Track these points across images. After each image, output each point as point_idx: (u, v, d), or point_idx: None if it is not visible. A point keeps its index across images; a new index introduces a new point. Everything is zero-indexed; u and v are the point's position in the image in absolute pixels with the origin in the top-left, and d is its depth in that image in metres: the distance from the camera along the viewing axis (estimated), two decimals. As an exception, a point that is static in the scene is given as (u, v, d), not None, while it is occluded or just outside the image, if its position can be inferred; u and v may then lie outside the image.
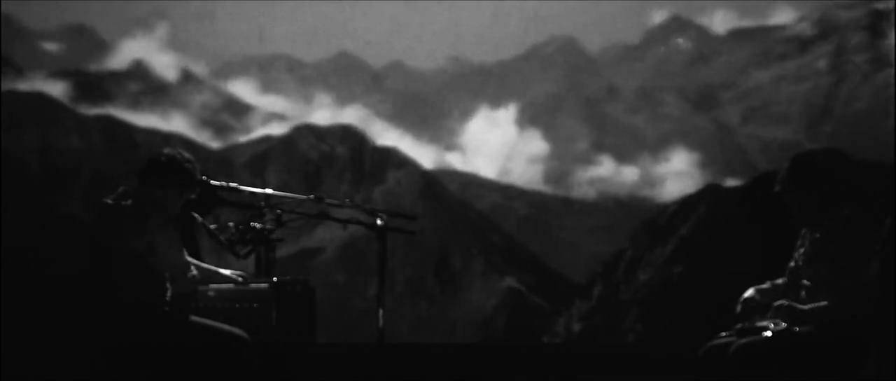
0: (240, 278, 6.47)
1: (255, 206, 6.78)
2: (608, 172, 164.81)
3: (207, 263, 6.60)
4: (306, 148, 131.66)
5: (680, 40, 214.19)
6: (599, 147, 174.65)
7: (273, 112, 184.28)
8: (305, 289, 6.64)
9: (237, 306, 6.45)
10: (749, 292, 6.19)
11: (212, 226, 6.71)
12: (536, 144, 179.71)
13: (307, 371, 6.49)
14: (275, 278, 6.43)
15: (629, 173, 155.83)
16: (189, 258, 6.25)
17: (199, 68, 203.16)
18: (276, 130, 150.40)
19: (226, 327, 6.06)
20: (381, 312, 6.74)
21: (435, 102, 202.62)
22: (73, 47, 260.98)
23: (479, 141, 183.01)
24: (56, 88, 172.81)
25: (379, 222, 6.71)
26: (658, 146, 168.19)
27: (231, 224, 6.76)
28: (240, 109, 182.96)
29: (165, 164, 6.10)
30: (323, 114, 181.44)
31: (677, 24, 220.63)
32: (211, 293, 6.55)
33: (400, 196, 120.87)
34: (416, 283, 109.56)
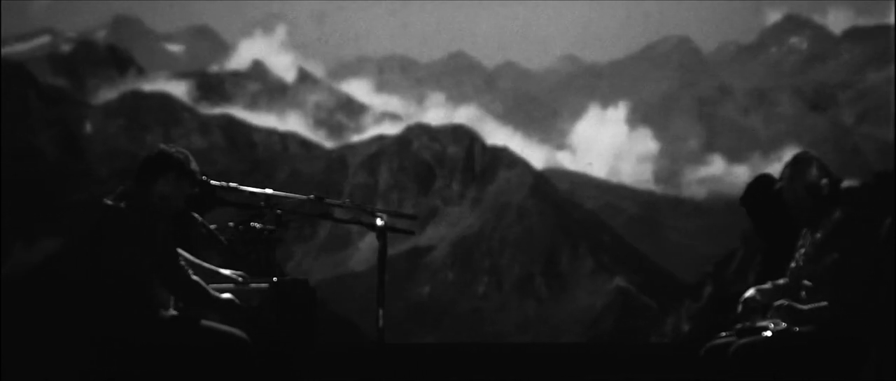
0: (240, 278, 6.40)
1: (255, 206, 6.70)
2: (719, 172, 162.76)
3: (207, 263, 6.57)
4: (419, 148, 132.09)
5: (795, 40, 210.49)
6: (710, 147, 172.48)
7: (386, 112, 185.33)
8: (305, 289, 6.60)
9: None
10: (749, 292, 6.14)
11: (212, 226, 6.67)
12: (647, 144, 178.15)
13: (307, 371, 6.46)
14: (275, 278, 6.40)
15: (740, 173, 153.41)
16: (188, 256, 6.20)
17: (315, 68, 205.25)
18: (390, 129, 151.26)
19: (225, 327, 5.99)
20: (380, 312, 6.66)
21: (546, 102, 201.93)
22: (196, 49, 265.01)
23: (589, 140, 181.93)
24: (178, 89, 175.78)
25: (379, 222, 6.66)
26: (770, 146, 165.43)
27: (231, 224, 6.69)
28: (354, 109, 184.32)
29: (156, 158, 6.07)
30: (436, 114, 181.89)
31: (793, 24, 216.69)
32: None
33: (510, 195, 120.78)
34: (524, 282, 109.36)
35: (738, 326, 6.00)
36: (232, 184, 6.58)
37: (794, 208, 6.07)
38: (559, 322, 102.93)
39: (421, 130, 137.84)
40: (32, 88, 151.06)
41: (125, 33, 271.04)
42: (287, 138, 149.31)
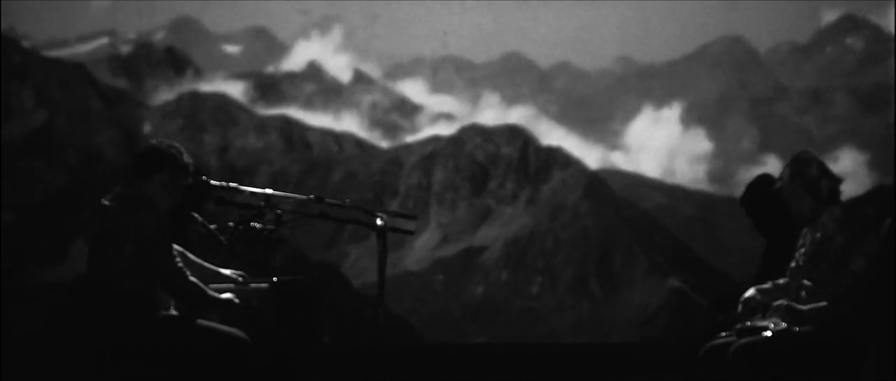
0: (240, 278, 6.48)
1: (255, 206, 6.70)
2: (774, 172, 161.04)
3: (207, 263, 6.52)
4: (473, 148, 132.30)
5: (851, 40, 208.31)
6: (765, 147, 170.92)
7: (441, 112, 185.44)
8: (306, 289, 6.65)
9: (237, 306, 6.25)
10: (749, 292, 6.23)
11: (212, 226, 6.61)
12: (701, 144, 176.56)
13: (308, 371, 6.44)
14: (275, 278, 6.48)
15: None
16: (189, 256, 6.13)
17: (371, 69, 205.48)
18: (444, 130, 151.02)
19: (225, 327, 6.06)
20: (380, 312, 6.73)
21: (600, 102, 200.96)
22: (253, 50, 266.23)
23: (643, 140, 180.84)
24: (235, 89, 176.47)
25: (379, 221, 6.66)
26: (826, 146, 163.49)
27: (231, 224, 6.69)
28: (409, 110, 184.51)
29: (149, 154, 6.07)
30: (490, 114, 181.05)
31: (849, 24, 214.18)
32: None
33: (564, 196, 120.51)
34: (578, 282, 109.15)
35: (738, 326, 6.09)
36: (232, 184, 6.65)
37: (793, 208, 6.02)
38: (612, 323, 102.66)
39: (475, 130, 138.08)
40: (93, 89, 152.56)
41: (184, 34, 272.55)
42: (342, 139, 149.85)
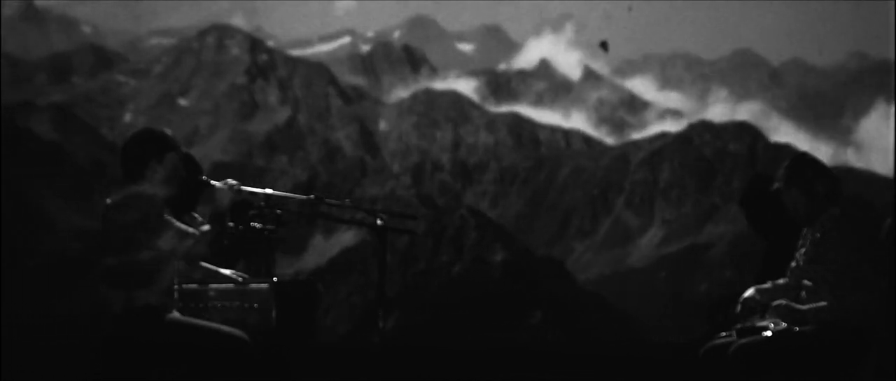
0: (240, 278, 6.29)
1: (255, 206, 6.50)
2: None
3: (207, 262, 6.41)
4: (701, 144, 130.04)
5: None
6: None
7: (669, 108, 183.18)
8: (305, 289, 6.48)
9: (237, 305, 6.21)
10: (749, 292, 6.08)
11: None
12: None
13: (307, 371, 6.27)
14: (275, 278, 6.24)
15: None
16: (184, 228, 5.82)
17: (600, 67, 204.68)
18: (671, 126, 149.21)
19: (225, 327, 5.85)
20: (380, 312, 6.47)
21: (832, 99, 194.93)
22: (486, 47, 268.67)
23: (877, 137, 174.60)
24: (468, 87, 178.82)
25: (379, 221, 6.42)
26: None
27: (231, 224, 6.41)
28: (637, 106, 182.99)
29: (131, 143, 5.88)
30: (718, 110, 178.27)
31: None
32: (211, 293, 6.28)
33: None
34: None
35: (738, 326, 5.89)
36: (232, 183, 6.29)
37: (791, 209, 5.94)
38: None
39: (703, 127, 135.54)
40: (333, 87, 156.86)
41: (419, 33, 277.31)
42: (570, 136, 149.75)
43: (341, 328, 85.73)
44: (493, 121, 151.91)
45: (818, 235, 5.89)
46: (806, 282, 5.92)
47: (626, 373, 8.67)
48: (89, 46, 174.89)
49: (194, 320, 5.95)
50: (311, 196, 6.61)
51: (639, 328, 76.91)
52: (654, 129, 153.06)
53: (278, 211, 6.55)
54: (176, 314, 5.91)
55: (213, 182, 6.18)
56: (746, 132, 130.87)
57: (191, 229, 5.81)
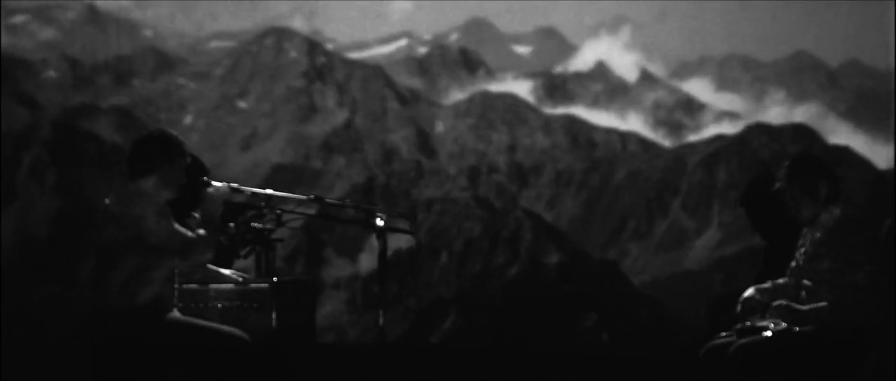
0: (240, 278, 6.29)
1: (255, 206, 6.49)
2: None
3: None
4: (758, 146, 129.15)
5: None
6: None
7: (725, 110, 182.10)
8: (306, 289, 6.49)
9: (237, 305, 6.19)
10: (749, 292, 5.97)
11: None
12: None
13: (307, 371, 6.33)
14: (275, 278, 6.21)
15: None
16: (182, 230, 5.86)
17: (657, 68, 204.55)
18: (728, 128, 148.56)
19: (225, 327, 5.85)
20: (380, 311, 6.43)
21: (891, 100, 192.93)
22: (542, 50, 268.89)
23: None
24: (523, 88, 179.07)
25: (378, 221, 6.39)
26: None
27: (231, 224, 6.49)
28: (693, 108, 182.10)
29: (145, 145, 5.88)
30: (774, 112, 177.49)
31: None
32: (211, 293, 6.25)
33: (849, 195, 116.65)
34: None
35: (738, 326, 5.79)
36: (233, 185, 6.30)
37: (792, 209, 5.87)
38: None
39: (760, 129, 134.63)
40: (390, 89, 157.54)
41: (476, 36, 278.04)
42: (627, 138, 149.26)
43: (396, 329, 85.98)
44: (548, 123, 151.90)
45: (819, 235, 5.78)
46: (806, 282, 5.81)
47: (676, 375, 8.50)
48: (150, 49, 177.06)
49: (194, 320, 5.94)
50: (311, 196, 6.49)
51: (694, 330, 76.38)
52: (711, 131, 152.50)
53: (278, 211, 6.48)
54: (176, 314, 5.90)
55: (213, 183, 6.15)
56: (804, 134, 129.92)
57: (189, 233, 5.79)
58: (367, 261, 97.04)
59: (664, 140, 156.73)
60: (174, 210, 5.90)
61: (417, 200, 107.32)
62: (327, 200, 6.49)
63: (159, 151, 5.83)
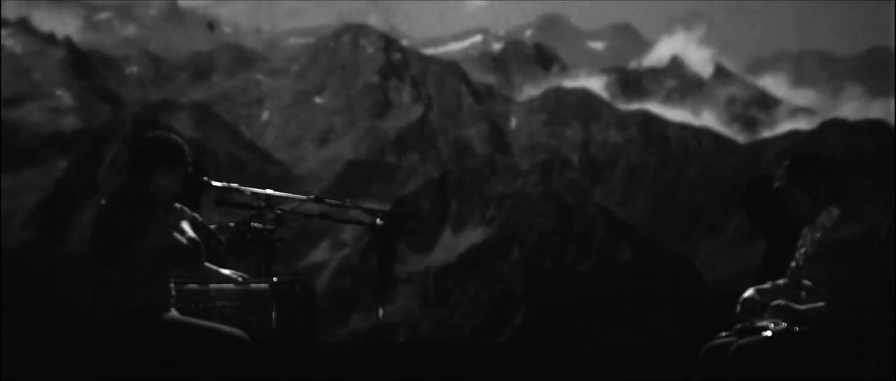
0: (240, 278, 6.27)
1: (255, 206, 6.48)
2: None
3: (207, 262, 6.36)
4: (834, 143, 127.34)
5: None
6: None
7: (800, 106, 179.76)
8: (306, 289, 6.44)
9: (237, 305, 6.19)
10: (749, 292, 5.94)
11: (211, 226, 6.41)
12: None
13: (307, 371, 6.29)
14: (275, 278, 6.21)
15: None
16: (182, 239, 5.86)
17: (732, 64, 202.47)
18: (803, 124, 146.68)
19: (225, 327, 5.84)
20: (380, 311, 6.44)
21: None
22: (617, 45, 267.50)
23: None
24: (597, 84, 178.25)
25: (379, 222, 6.40)
26: None
27: (231, 224, 6.45)
28: (768, 104, 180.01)
29: (145, 146, 5.89)
30: (850, 107, 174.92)
31: None
32: (211, 293, 6.25)
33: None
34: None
35: (738, 326, 5.80)
36: (233, 185, 6.38)
37: (792, 209, 5.83)
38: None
39: (836, 125, 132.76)
40: (465, 85, 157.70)
41: (551, 32, 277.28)
42: (701, 133, 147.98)
43: (469, 323, 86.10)
44: (622, 119, 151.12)
45: (818, 235, 5.77)
46: (806, 282, 5.80)
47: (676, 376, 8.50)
48: (229, 46, 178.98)
49: (194, 320, 5.96)
50: (311, 196, 6.56)
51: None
52: (786, 127, 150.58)
53: (278, 211, 6.50)
54: (175, 314, 5.92)
55: (213, 182, 6.23)
56: (880, 130, 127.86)
57: (182, 239, 5.83)
58: (439, 256, 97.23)
59: (738, 136, 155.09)
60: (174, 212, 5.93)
61: (490, 195, 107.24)
62: (327, 200, 6.50)
63: (164, 156, 5.86)
